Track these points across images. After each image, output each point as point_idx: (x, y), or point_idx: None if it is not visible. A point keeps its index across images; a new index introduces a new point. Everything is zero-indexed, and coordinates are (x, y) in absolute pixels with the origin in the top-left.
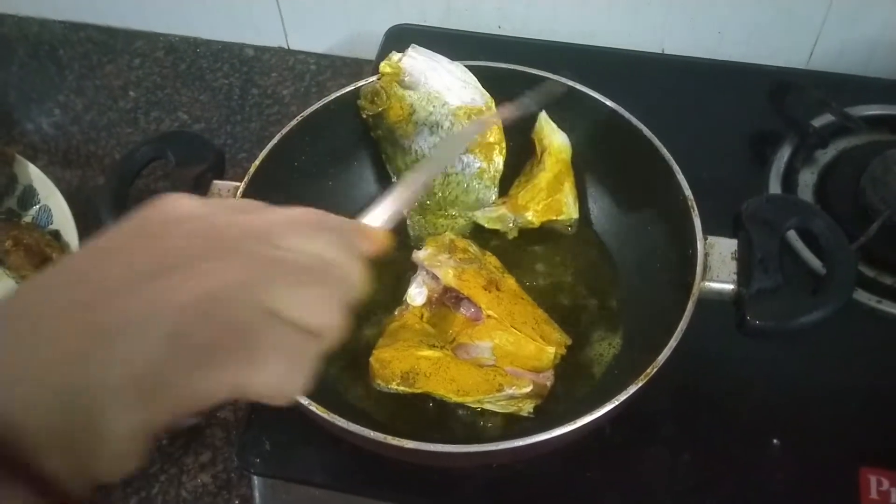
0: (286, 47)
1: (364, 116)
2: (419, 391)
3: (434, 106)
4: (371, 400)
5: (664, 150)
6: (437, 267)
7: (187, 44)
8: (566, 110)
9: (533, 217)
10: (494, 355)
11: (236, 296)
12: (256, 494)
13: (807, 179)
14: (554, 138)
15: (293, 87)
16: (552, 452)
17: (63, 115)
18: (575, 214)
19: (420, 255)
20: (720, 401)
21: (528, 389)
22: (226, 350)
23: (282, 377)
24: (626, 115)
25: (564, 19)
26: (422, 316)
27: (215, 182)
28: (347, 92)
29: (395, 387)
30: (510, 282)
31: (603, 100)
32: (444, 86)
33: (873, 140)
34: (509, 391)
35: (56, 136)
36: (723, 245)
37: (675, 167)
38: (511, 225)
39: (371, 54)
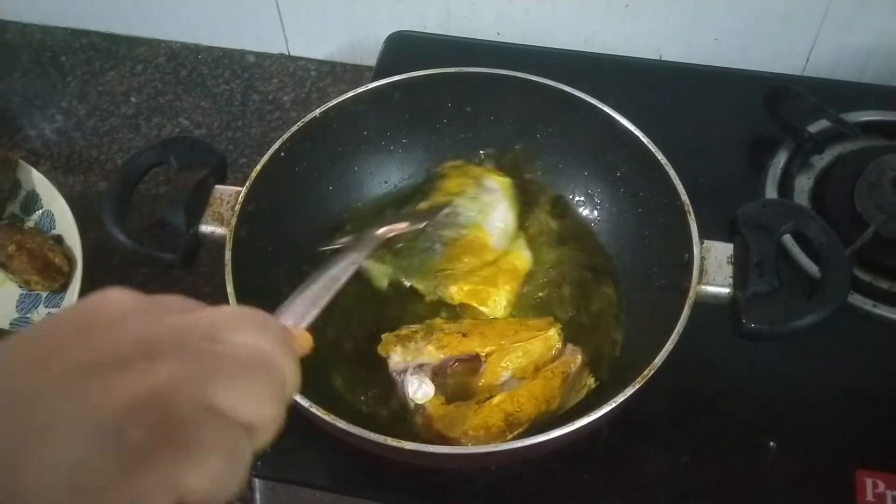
0: (287, 54)
1: None
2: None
3: None
4: (371, 403)
5: (661, 156)
6: (417, 355)
7: (189, 50)
8: (564, 116)
9: (455, 294)
10: (517, 376)
11: (174, 392)
12: (258, 497)
13: (803, 184)
14: (520, 252)
15: (294, 93)
16: (551, 454)
17: (66, 120)
18: (500, 313)
19: (395, 360)
20: (717, 403)
21: (580, 357)
22: (163, 449)
23: (221, 474)
24: (624, 121)
25: (563, 26)
26: (442, 403)
27: (217, 187)
28: (348, 98)
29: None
30: (467, 321)
31: (601, 106)
32: None
33: (868, 146)
34: (573, 370)
35: (59, 141)
36: (719, 249)
37: (672, 173)
38: (432, 292)
39: (371, 60)
